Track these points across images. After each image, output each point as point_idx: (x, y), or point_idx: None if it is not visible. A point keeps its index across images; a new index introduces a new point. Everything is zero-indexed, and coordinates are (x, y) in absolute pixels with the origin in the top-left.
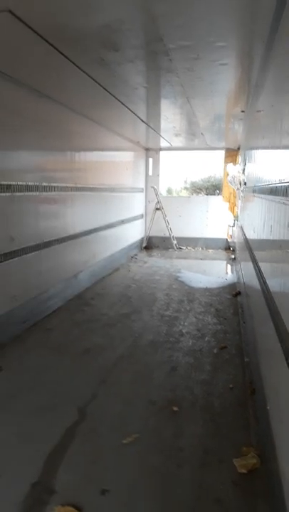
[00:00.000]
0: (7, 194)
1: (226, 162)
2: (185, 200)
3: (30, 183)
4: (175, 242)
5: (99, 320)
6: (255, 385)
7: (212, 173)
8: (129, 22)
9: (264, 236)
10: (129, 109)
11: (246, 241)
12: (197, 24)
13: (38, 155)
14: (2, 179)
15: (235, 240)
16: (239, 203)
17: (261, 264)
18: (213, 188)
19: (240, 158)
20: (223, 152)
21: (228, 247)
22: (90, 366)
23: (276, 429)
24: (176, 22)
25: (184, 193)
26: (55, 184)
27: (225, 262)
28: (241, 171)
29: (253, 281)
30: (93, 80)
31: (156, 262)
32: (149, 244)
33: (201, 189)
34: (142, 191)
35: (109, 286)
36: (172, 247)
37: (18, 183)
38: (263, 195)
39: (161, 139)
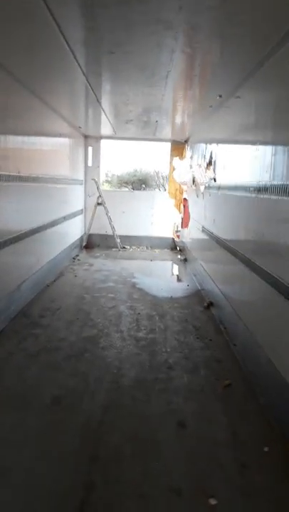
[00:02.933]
0: None
1: (172, 156)
2: (129, 196)
3: None
4: (119, 240)
5: (59, 348)
6: None
7: (138, 167)
8: None
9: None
10: (88, 83)
11: (223, 243)
12: None
13: None
14: None
15: (185, 240)
16: (197, 199)
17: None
18: (139, 183)
19: (189, 152)
20: (168, 144)
21: (174, 247)
22: (68, 428)
23: None
24: None
25: (106, 187)
26: None
27: (176, 263)
28: (204, 166)
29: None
30: None
31: (104, 265)
32: (89, 243)
33: (126, 183)
34: (82, 184)
35: (58, 297)
36: (115, 247)
37: None
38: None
39: (103, 126)
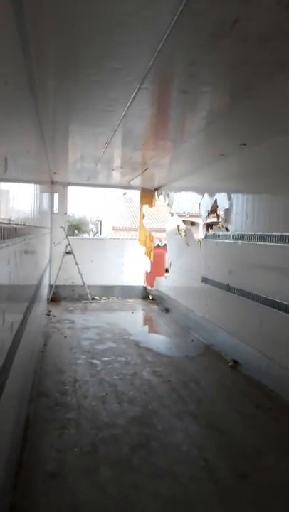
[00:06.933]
0: None
1: (141, 203)
2: (98, 243)
3: None
4: (89, 291)
5: (114, 438)
6: None
7: (70, 212)
8: None
9: None
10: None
11: (251, 295)
12: None
13: None
14: None
15: (163, 289)
16: (187, 249)
17: None
18: (72, 228)
19: (165, 200)
20: (138, 192)
21: (146, 296)
22: None
23: None
24: None
25: None
26: None
27: (159, 315)
28: (203, 215)
29: None
30: None
31: (86, 320)
32: (55, 296)
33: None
34: (49, 232)
35: (63, 366)
36: (84, 298)
37: None
38: None
39: (78, 172)
